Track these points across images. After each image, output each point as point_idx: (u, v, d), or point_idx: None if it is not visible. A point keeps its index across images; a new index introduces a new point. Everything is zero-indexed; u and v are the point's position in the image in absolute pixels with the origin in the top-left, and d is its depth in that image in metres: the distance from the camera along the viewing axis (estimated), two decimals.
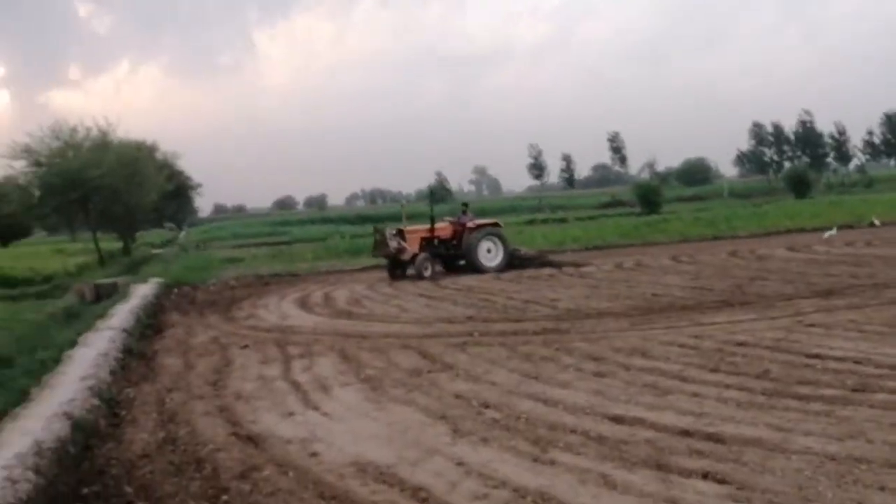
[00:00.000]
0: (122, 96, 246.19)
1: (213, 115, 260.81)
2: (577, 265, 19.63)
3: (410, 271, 19.24)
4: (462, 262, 19.88)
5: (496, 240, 19.96)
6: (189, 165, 71.56)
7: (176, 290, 19.46)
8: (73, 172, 29.18)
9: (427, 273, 18.86)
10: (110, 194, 30.44)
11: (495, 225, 20.55)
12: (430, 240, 19.79)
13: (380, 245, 19.50)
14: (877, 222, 27.16)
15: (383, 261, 20.08)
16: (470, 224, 19.90)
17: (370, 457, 6.06)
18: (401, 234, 19.42)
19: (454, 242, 19.99)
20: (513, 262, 19.92)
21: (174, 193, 44.18)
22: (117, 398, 8.50)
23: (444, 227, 20.16)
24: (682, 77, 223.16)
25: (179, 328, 13.77)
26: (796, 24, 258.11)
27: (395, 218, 22.70)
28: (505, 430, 6.50)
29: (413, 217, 23.92)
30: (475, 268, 19.32)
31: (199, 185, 56.28)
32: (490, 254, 19.71)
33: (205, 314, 15.48)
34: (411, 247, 19.31)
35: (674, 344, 9.40)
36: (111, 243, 38.51)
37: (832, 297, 12.19)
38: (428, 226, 19.97)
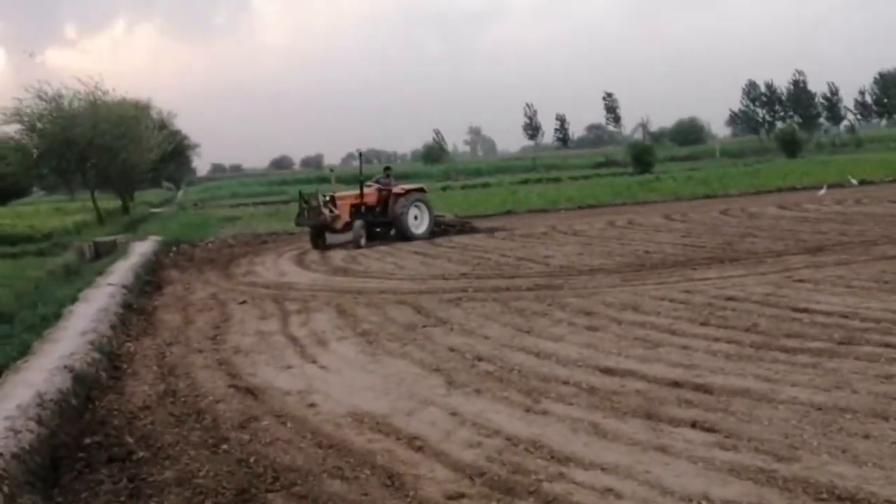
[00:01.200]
0: (118, 56, 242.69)
1: (210, 75, 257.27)
2: (497, 230, 19.26)
3: (339, 239, 18.28)
4: (378, 230, 19.00)
5: (422, 206, 19.09)
6: (186, 125, 71.10)
7: (174, 248, 19.52)
8: (65, 135, 28.93)
9: (363, 242, 17.80)
10: (107, 154, 30.22)
11: (421, 190, 19.72)
12: (359, 206, 18.65)
13: (309, 213, 18.36)
14: (853, 181, 26.29)
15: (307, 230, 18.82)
16: (397, 189, 19.09)
17: (366, 407, 6.20)
18: (332, 201, 18.22)
19: (379, 209, 18.97)
20: (435, 228, 19.19)
21: (172, 153, 43.92)
22: (118, 352, 8.63)
23: (370, 193, 18.93)
24: (676, 37, 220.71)
25: (178, 285, 13.88)
26: None
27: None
28: (498, 382, 6.64)
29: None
30: (403, 235, 18.49)
31: (198, 146, 55.76)
32: (417, 220, 18.84)
33: (203, 271, 15.59)
34: (342, 214, 18.16)
35: (665, 299, 9.52)
36: (110, 202, 38.32)
37: (821, 253, 12.32)
38: (357, 191, 18.85)
